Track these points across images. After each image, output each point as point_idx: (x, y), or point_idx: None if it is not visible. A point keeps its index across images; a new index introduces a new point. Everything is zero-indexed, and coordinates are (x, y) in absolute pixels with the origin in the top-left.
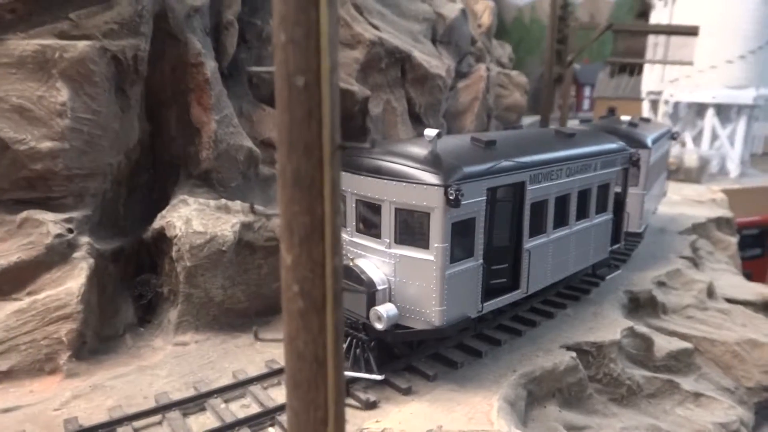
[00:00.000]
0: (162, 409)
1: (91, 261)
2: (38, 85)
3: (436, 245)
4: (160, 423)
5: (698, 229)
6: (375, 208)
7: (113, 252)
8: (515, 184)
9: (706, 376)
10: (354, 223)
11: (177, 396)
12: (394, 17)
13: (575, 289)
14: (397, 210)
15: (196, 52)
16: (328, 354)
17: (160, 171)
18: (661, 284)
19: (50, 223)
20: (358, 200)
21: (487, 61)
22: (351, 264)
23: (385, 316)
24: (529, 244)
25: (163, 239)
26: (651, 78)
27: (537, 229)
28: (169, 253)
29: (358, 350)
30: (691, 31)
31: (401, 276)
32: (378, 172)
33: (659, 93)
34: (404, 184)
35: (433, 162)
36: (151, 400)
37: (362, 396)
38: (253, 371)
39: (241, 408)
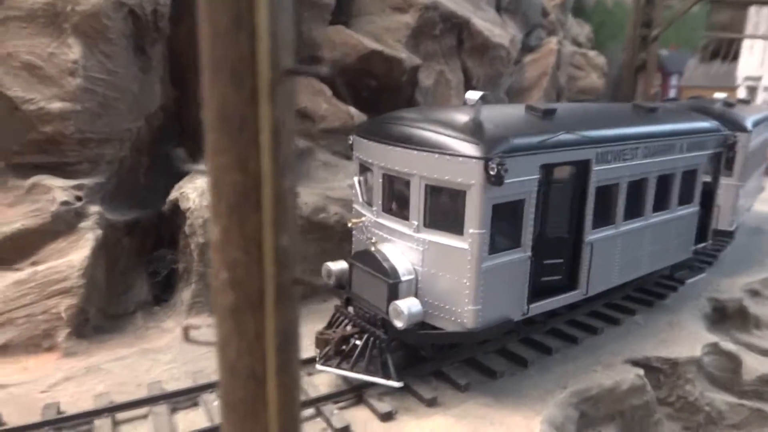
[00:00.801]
0: (149, 401)
1: (99, 232)
2: (49, 41)
3: (471, 231)
4: (145, 417)
5: None
6: (403, 184)
7: (127, 224)
8: (578, 163)
9: None
10: (380, 202)
11: (172, 386)
12: None
13: (648, 293)
14: (427, 187)
15: None
16: (268, 369)
17: (187, 140)
18: (754, 293)
19: (58, 190)
20: (385, 174)
21: (560, 36)
22: (373, 249)
23: (405, 313)
24: (592, 236)
25: (178, 212)
26: (749, 62)
27: (603, 219)
28: (183, 227)
29: (375, 350)
30: None
31: (430, 266)
32: (408, 141)
33: (758, 78)
34: (436, 155)
35: (474, 130)
36: (145, 388)
37: (377, 404)
38: None
39: None
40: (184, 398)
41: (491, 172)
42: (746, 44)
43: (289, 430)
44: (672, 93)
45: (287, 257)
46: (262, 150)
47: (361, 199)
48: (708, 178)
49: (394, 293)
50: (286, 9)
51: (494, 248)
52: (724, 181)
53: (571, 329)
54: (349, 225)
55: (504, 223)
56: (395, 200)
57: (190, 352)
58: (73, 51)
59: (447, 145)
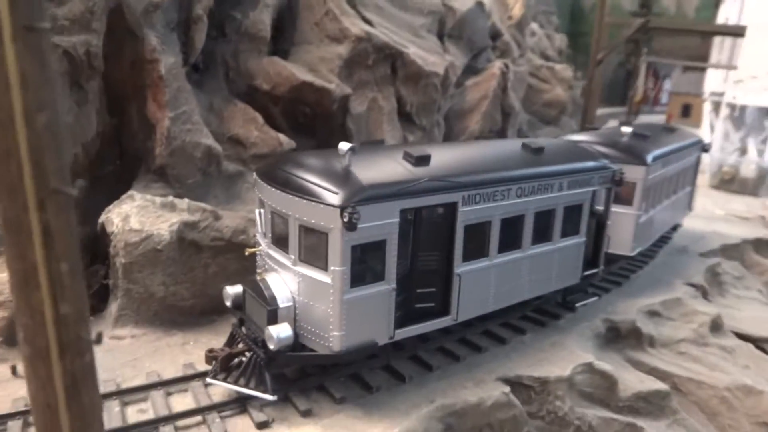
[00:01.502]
0: None
1: None
2: None
3: (333, 268)
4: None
5: (728, 250)
6: (284, 222)
7: None
8: (444, 205)
9: (682, 422)
10: (270, 235)
11: None
12: (395, 10)
13: (545, 314)
14: (300, 227)
15: (151, 48)
16: (59, 403)
17: (126, 163)
18: (653, 314)
19: None
20: (273, 212)
21: (515, 56)
22: (258, 278)
23: (275, 337)
24: (461, 268)
25: (106, 234)
26: (714, 77)
27: (475, 252)
28: (109, 248)
29: (256, 367)
30: (738, 32)
31: (304, 296)
32: (286, 186)
33: (722, 94)
34: (305, 201)
35: (337, 180)
36: None
37: (255, 414)
38: (170, 374)
39: (136, 413)
40: None
41: (345, 219)
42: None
43: None
44: (665, 97)
45: (69, 321)
46: (36, 247)
47: (260, 230)
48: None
49: (273, 318)
50: (54, 145)
51: (358, 281)
52: (623, 209)
53: (458, 347)
54: (246, 253)
55: (367, 260)
56: (279, 235)
57: (111, 360)
58: None
59: (313, 192)
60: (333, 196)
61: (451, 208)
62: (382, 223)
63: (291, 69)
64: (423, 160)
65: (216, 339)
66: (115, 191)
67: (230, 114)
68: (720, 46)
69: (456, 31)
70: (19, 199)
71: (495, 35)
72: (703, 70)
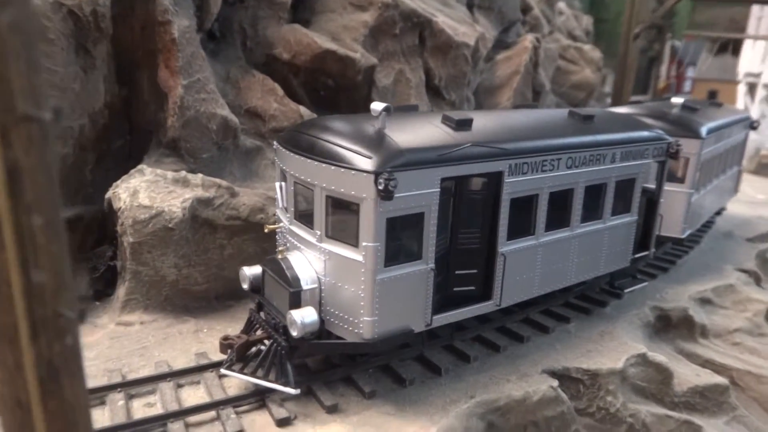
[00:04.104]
0: None
1: None
2: None
3: (365, 244)
4: None
5: None
6: (310, 194)
7: (68, 220)
8: (488, 175)
9: (742, 419)
10: (293, 209)
11: (89, 384)
12: None
13: (589, 300)
14: (328, 198)
15: (163, 9)
16: (32, 398)
17: (136, 137)
18: (704, 301)
19: None
20: (296, 183)
21: (545, 32)
22: (279, 257)
23: (299, 323)
24: (506, 247)
25: (113, 211)
26: (750, 57)
27: (520, 230)
28: (117, 226)
29: (276, 356)
30: None
31: (332, 276)
32: (311, 152)
33: (758, 75)
34: (333, 167)
35: (371, 143)
36: None
37: (276, 410)
38: (181, 364)
39: (143, 407)
40: (91, 397)
41: (380, 187)
42: (748, 40)
43: None
44: (688, 84)
45: (44, 292)
46: None
47: (281, 205)
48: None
49: (295, 301)
50: (27, 47)
51: (392, 260)
52: (674, 188)
53: (498, 336)
54: (266, 230)
55: (403, 236)
56: (303, 209)
57: (117, 348)
58: None
59: (344, 157)
60: (366, 161)
61: (496, 179)
62: (421, 193)
63: (313, 37)
64: (464, 124)
65: (232, 326)
66: (124, 167)
67: (248, 85)
68: (757, 21)
69: (486, 1)
70: None
71: (525, 8)
72: (734, 53)
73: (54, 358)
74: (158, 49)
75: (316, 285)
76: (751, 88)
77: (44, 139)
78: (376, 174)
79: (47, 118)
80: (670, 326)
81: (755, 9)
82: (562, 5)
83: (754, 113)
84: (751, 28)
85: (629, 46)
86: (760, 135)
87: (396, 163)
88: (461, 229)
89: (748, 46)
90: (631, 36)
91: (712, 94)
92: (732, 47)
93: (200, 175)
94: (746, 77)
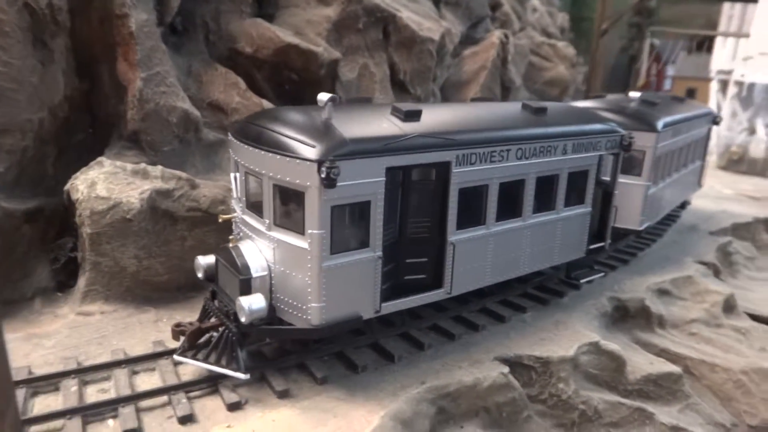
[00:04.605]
0: None
1: None
2: None
3: (310, 231)
4: None
5: (739, 229)
6: (259, 183)
7: (28, 212)
8: (436, 165)
9: (695, 407)
10: (244, 199)
11: (43, 371)
12: None
13: (547, 291)
14: (275, 186)
15: (121, 2)
16: None
17: (98, 130)
18: (662, 292)
19: None
20: (246, 173)
21: (516, 29)
22: (231, 245)
23: (247, 309)
24: (455, 236)
25: (72, 202)
26: (721, 55)
27: (470, 220)
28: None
29: (228, 343)
30: None
31: (281, 264)
32: (259, 141)
33: (729, 72)
34: (279, 156)
35: (316, 133)
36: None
37: (227, 394)
38: (138, 352)
39: (97, 393)
40: (45, 383)
41: (322, 175)
42: (719, 37)
43: None
44: (668, 83)
45: None
46: None
47: (235, 195)
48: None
49: (245, 288)
50: None
51: (339, 248)
52: (630, 180)
53: (453, 325)
54: (220, 220)
55: (349, 223)
56: (253, 198)
57: (76, 337)
58: None
59: (289, 146)
60: (309, 150)
61: (444, 169)
62: (366, 181)
63: (275, 31)
64: (413, 115)
65: (192, 316)
66: (86, 160)
67: (210, 78)
68: (728, 19)
69: None
70: None
71: (495, 5)
72: (709, 51)
73: None
74: (116, 42)
75: (266, 272)
76: (723, 85)
77: None
78: (320, 162)
79: None
80: (628, 317)
81: (726, 7)
82: (536, 2)
83: (726, 110)
84: (722, 26)
85: (598, 42)
86: (730, 131)
87: (340, 152)
88: (410, 218)
89: (719, 44)
90: (600, 32)
91: (690, 93)
92: (707, 45)
93: (160, 167)
94: (718, 74)
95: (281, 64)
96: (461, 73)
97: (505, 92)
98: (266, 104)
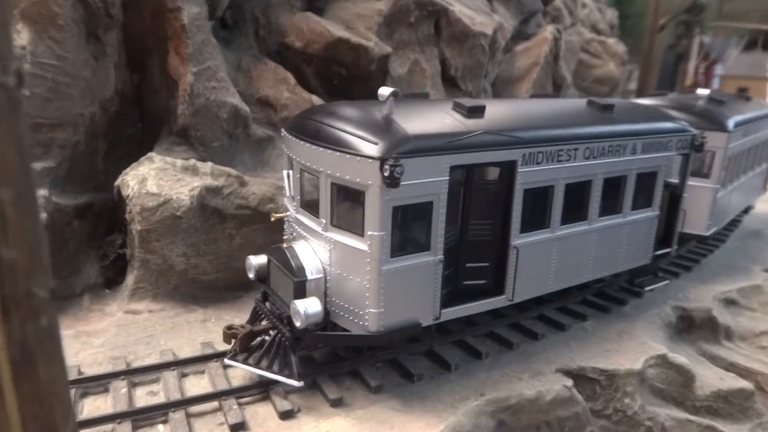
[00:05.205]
0: None
1: (43, 216)
2: None
3: (370, 233)
4: None
5: None
6: (315, 181)
7: (78, 207)
8: (501, 164)
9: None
10: (299, 197)
11: (93, 371)
12: None
13: (608, 298)
14: (333, 185)
15: None
16: (4, 381)
17: (147, 126)
18: (730, 302)
19: None
20: (302, 170)
21: (567, 24)
22: (284, 246)
23: (302, 313)
24: (519, 240)
25: (122, 198)
26: None
27: (534, 223)
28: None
29: (280, 348)
30: None
31: (337, 266)
32: (317, 138)
33: None
34: (339, 153)
35: (377, 129)
36: None
37: (279, 402)
38: (187, 353)
39: (146, 395)
40: (95, 384)
41: (385, 174)
42: None
43: None
44: (716, 81)
45: (15, 271)
46: None
47: (288, 194)
48: (675, 180)
49: (300, 291)
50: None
51: (399, 250)
52: (699, 183)
53: (511, 333)
54: (272, 219)
55: (411, 225)
56: (309, 197)
57: (124, 336)
58: (22, 37)
59: (349, 143)
60: (371, 147)
61: (510, 168)
62: (429, 181)
63: (325, 25)
64: (476, 111)
65: (240, 317)
66: (136, 155)
67: (259, 73)
68: None
69: None
70: None
71: (545, 0)
72: (765, 49)
73: (27, 339)
74: (168, 35)
75: (321, 275)
76: None
77: (12, 106)
78: (382, 160)
79: (12, 84)
80: (693, 327)
81: None
82: None
83: None
84: None
85: (654, 39)
86: None
87: (403, 149)
88: (472, 220)
89: None
90: (656, 28)
91: (742, 91)
92: (762, 42)
93: (209, 164)
94: None
95: (331, 59)
96: (513, 69)
97: (556, 90)
98: (316, 100)
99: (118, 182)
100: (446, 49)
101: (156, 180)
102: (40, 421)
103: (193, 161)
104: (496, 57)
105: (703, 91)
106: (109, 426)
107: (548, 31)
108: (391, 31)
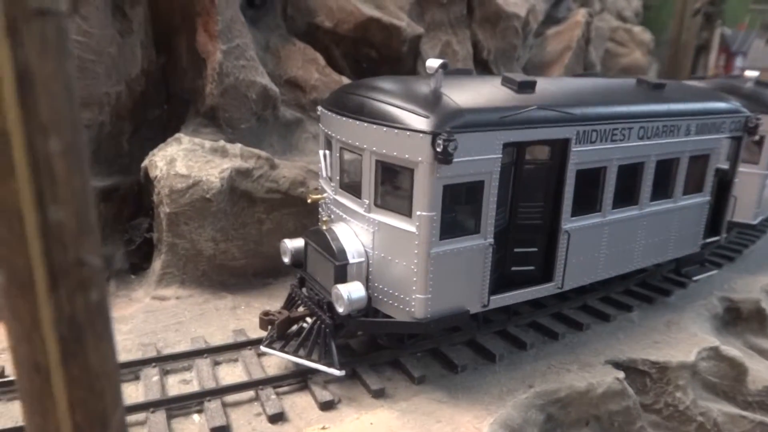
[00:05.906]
0: None
1: None
2: None
3: (419, 213)
4: None
5: None
6: (358, 159)
7: (104, 190)
8: (553, 142)
9: None
10: (338, 178)
11: (122, 358)
12: None
13: (651, 288)
14: (378, 163)
15: None
16: (51, 361)
17: (174, 106)
18: None
19: None
20: (342, 148)
21: (595, 9)
22: (324, 228)
23: (345, 298)
24: (570, 224)
25: (149, 180)
26: None
27: (586, 206)
28: (153, 196)
29: (320, 335)
30: None
31: (381, 249)
32: (360, 113)
33: None
34: (385, 128)
35: (427, 102)
36: None
37: (319, 392)
38: (218, 340)
39: (179, 384)
40: (125, 371)
41: (438, 149)
42: None
43: (90, 429)
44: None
45: (63, 234)
46: (4, 103)
47: (324, 174)
48: (725, 165)
49: (341, 276)
50: None
51: (448, 233)
52: (746, 169)
53: (554, 323)
54: (309, 201)
55: (461, 206)
56: (349, 176)
57: (153, 323)
58: None
59: (396, 117)
60: (422, 121)
61: (562, 147)
62: (482, 158)
63: (356, 4)
64: (528, 86)
65: (270, 304)
66: (162, 137)
67: (288, 54)
68: None
69: None
70: None
71: None
72: None
73: (77, 313)
74: (197, 12)
75: (363, 259)
76: None
77: (61, 39)
78: (434, 134)
79: (63, 10)
80: (740, 319)
81: None
82: None
83: None
84: None
85: (684, 25)
86: None
87: (456, 123)
88: (522, 202)
89: None
90: (690, 13)
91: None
92: None
93: (239, 145)
94: None
95: (361, 40)
96: (544, 54)
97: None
98: (346, 81)
99: (145, 163)
100: (479, 30)
101: (185, 161)
102: (90, 408)
103: (222, 142)
104: (528, 40)
105: (751, 73)
106: (141, 414)
107: (580, 14)
108: (423, 11)
